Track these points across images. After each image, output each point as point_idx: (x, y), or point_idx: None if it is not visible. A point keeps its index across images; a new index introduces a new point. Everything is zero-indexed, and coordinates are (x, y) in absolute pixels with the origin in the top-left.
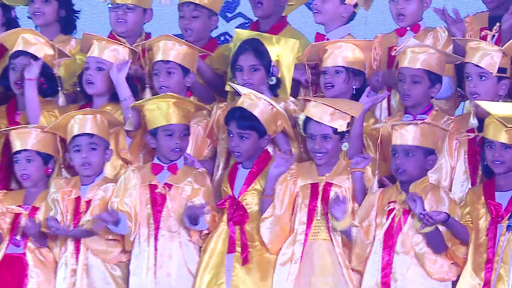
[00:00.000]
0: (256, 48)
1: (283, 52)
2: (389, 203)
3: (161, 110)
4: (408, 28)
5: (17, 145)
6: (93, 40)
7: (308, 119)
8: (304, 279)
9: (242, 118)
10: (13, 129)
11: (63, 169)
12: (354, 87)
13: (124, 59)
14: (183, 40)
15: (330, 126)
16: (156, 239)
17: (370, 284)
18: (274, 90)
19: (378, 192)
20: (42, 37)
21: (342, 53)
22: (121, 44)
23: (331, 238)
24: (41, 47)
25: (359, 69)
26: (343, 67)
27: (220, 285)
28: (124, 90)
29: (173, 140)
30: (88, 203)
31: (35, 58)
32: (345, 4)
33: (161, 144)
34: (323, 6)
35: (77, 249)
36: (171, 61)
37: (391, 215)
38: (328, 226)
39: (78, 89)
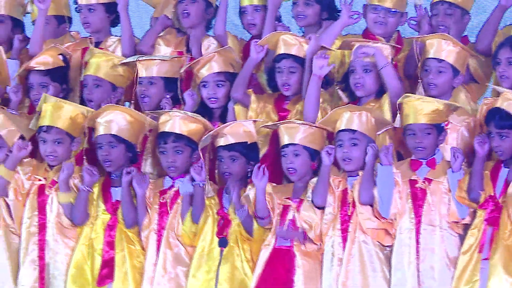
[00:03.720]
0: None
1: None
2: None
3: (407, 110)
4: None
5: (285, 139)
6: (354, 42)
7: None
8: None
9: (500, 118)
10: (283, 123)
11: None
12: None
13: (388, 56)
14: (458, 41)
15: None
16: (418, 233)
17: None
18: None
19: None
20: (300, 37)
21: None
22: (383, 42)
23: None
24: (301, 47)
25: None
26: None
27: (474, 282)
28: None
29: (415, 139)
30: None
31: (299, 59)
32: None
33: (407, 142)
34: None
35: (344, 239)
36: (443, 60)
37: None
38: None
39: (338, 87)
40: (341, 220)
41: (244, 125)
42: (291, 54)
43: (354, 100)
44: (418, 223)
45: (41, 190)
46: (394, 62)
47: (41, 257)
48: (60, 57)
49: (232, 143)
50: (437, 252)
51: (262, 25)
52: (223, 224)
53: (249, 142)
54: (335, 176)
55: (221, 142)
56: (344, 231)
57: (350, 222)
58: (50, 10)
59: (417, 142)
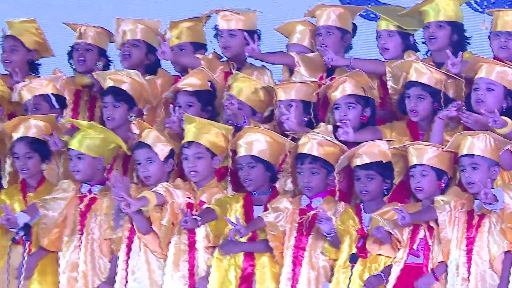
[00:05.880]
0: None
1: None
2: None
3: None
4: None
5: (413, 160)
6: (482, 62)
7: None
8: None
9: None
10: (411, 144)
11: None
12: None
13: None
14: None
15: None
16: None
17: None
18: None
19: None
20: (431, 66)
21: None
22: (509, 66)
23: None
24: (431, 76)
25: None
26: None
27: None
28: None
29: None
30: (481, 217)
31: (428, 87)
32: None
33: None
34: None
35: (469, 260)
36: None
37: None
38: None
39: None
40: (466, 241)
41: (379, 145)
42: (421, 82)
43: None
44: None
45: (189, 209)
46: None
47: (191, 274)
48: (208, 83)
49: (368, 163)
50: None
51: (395, 49)
52: (363, 243)
53: (384, 161)
54: (458, 198)
55: (358, 162)
56: (469, 252)
57: (474, 245)
58: (187, 37)
59: None
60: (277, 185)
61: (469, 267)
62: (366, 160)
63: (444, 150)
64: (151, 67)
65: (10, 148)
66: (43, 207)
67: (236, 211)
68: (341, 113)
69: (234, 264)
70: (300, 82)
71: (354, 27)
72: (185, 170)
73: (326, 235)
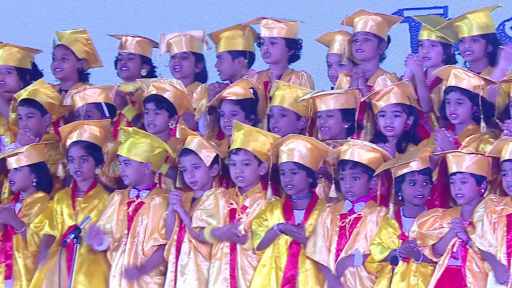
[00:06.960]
0: None
1: None
2: None
3: None
4: None
5: (453, 168)
6: None
7: None
8: None
9: None
10: (450, 152)
11: None
12: None
13: None
14: None
15: None
16: None
17: None
18: None
19: None
20: (469, 72)
21: None
22: None
23: None
24: (469, 80)
25: None
26: None
27: None
28: None
29: None
30: None
31: (467, 92)
32: None
33: None
34: None
35: (509, 263)
36: None
37: None
38: None
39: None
40: (507, 244)
41: (427, 152)
42: (459, 87)
43: None
44: None
45: (232, 213)
46: None
47: (233, 276)
48: (251, 90)
49: (425, 168)
50: None
51: (436, 58)
52: None
53: (429, 167)
54: (489, 209)
55: (414, 167)
56: (509, 255)
57: None
58: (224, 47)
59: None
60: (316, 190)
61: (509, 269)
62: (425, 165)
63: (486, 155)
64: (200, 75)
65: (65, 152)
66: (108, 235)
67: (277, 219)
68: (387, 120)
69: (275, 267)
70: (337, 93)
71: (388, 38)
72: (232, 176)
73: (416, 260)
